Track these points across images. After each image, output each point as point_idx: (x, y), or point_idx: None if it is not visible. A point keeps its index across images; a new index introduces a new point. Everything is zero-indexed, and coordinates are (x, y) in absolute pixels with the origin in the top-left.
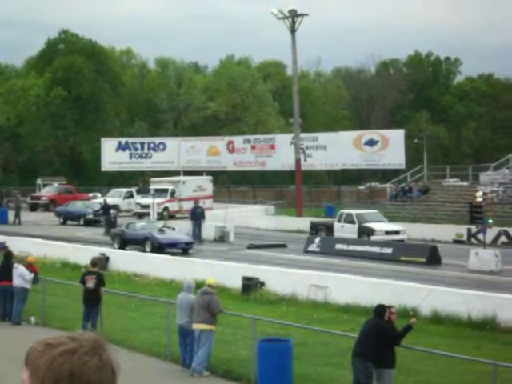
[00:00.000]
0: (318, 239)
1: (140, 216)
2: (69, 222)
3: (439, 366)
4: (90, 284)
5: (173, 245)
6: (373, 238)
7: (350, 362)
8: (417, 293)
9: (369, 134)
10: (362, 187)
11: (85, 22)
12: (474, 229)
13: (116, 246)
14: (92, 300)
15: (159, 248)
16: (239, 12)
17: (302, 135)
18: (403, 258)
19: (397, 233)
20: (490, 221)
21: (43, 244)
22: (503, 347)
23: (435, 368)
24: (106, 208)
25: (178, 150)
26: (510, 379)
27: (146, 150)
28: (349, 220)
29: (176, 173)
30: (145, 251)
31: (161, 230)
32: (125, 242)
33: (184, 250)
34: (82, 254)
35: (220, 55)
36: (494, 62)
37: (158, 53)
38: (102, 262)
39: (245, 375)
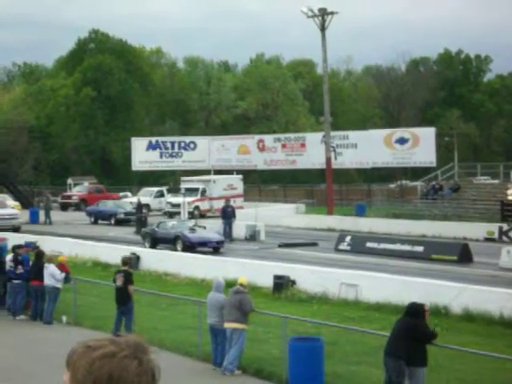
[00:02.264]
0: (348, 237)
1: (171, 215)
2: (99, 222)
3: (471, 365)
4: (119, 282)
5: (204, 244)
6: None
7: (382, 360)
8: (448, 291)
9: (399, 132)
10: (392, 185)
11: (114, 21)
12: (505, 227)
13: (147, 245)
14: (121, 298)
15: (190, 247)
16: (266, 10)
17: (333, 133)
18: (434, 256)
19: None
20: None
21: (74, 243)
22: None
23: (467, 366)
24: (139, 207)
25: (208, 149)
26: None
27: (176, 149)
28: None
29: (206, 172)
30: (176, 250)
31: (192, 229)
32: (156, 241)
33: (215, 248)
34: (113, 254)
35: (249, 54)
36: None
37: (187, 52)
38: (132, 261)
39: (276, 374)
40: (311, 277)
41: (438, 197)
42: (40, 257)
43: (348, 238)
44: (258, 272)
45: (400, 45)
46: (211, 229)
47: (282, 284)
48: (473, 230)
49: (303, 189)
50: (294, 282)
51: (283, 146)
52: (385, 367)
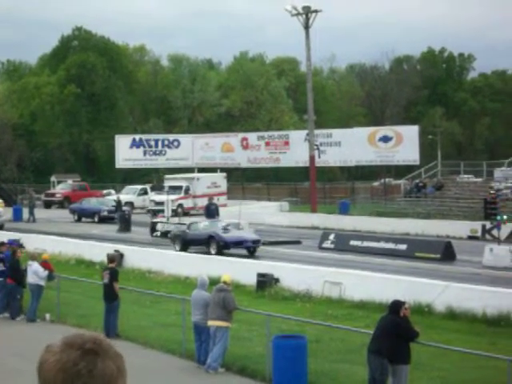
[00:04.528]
0: (332, 235)
1: (154, 213)
2: (83, 219)
3: (454, 363)
4: (105, 280)
5: (239, 243)
6: None
7: (366, 358)
8: (431, 289)
9: (383, 131)
10: (376, 183)
11: (97, 19)
12: (488, 225)
13: (177, 248)
14: (108, 296)
15: (224, 247)
16: (250, 8)
17: (316, 132)
18: (417, 254)
19: None
20: (505, 217)
21: (58, 241)
22: None
23: (450, 364)
24: (119, 205)
25: (192, 147)
26: None
27: (160, 147)
28: None
29: (190, 170)
30: (209, 252)
31: (225, 229)
32: (187, 244)
33: (251, 249)
34: (97, 251)
35: (233, 52)
36: (508, 59)
37: (170, 50)
38: (116, 258)
39: (260, 372)
40: (295, 275)
41: (421, 195)
42: (14, 255)
43: (332, 236)
44: (241, 270)
45: (383, 43)
46: (246, 228)
47: (265, 282)
48: (456, 228)
49: (287, 187)
50: (277, 280)
51: (267, 143)
52: (368, 365)
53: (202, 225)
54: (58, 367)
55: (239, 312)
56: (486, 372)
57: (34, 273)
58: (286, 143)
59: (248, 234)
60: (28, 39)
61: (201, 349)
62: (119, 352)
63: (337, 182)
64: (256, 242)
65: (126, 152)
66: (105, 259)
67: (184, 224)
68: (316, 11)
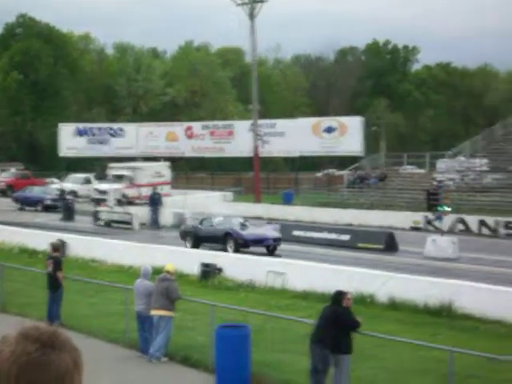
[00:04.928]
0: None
1: (98, 202)
2: (27, 208)
3: (396, 353)
4: (49, 269)
5: (260, 241)
6: None
7: (308, 348)
8: (374, 279)
9: (327, 121)
10: (319, 174)
11: (42, 6)
12: (430, 216)
13: (188, 245)
14: (52, 285)
15: (243, 245)
16: None
17: (261, 122)
18: (360, 245)
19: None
20: (447, 208)
21: (1, 230)
22: (459, 334)
23: (392, 354)
24: (62, 193)
25: (136, 136)
26: (467, 365)
27: (104, 136)
28: None
29: (134, 159)
30: (226, 250)
31: (243, 225)
32: (199, 240)
33: (271, 247)
34: (40, 240)
35: (178, 41)
36: (452, 51)
37: (115, 38)
38: (60, 247)
39: (203, 361)
40: (238, 265)
41: (364, 186)
42: None
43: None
44: (185, 259)
45: (329, 34)
46: (265, 224)
47: (209, 272)
48: (399, 219)
49: (231, 177)
50: (220, 270)
51: (211, 133)
52: (310, 355)
53: (217, 220)
54: (12, 359)
55: (183, 301)
56: (428, 362)
57: None
58: (231, 133)
59: (268, 231)
60: None
61: (144, 338)
62: (76, 346)
63: (281, 172)
64: (277, 240)
65: (70, 140)
66: (48, 248)
67: (129, 214)
68: (261, 1)
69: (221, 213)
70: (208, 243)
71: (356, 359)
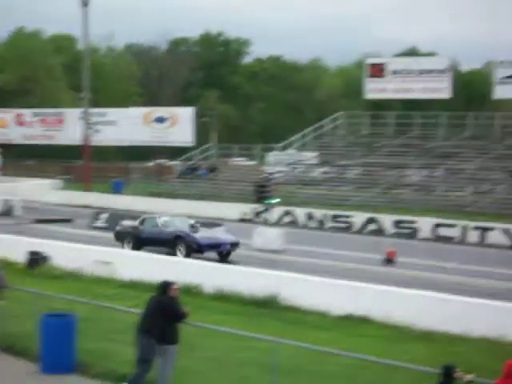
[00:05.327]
0: (105, 215)
1: None
2: None
3: (225, 343)
4: None
5: (215, 246)
6: None
7: (135, 338)
8: (201, 270)
9: (158, 111)
10: (150, 164)
11: None
12: (259, 208)
13: (126, 247)
14: None
15: (197, 250)
16: None
17: (92, 110)
18: None
19: None
20: (275, 200)
21: None
22: (284, 325)
23: (221, 345)
24: None
25: None
26: (290, 356)
27: None
28: None
29: None
30: (174, 254)
31: (193, 227)
32: (141, 243)
33: (224, 252)
34: None
35: (8, 27)
36: (283, 45)
37: None
38: None
39: (29, 350)
40: (65, 253)
41: (194, 176)
42: None
43: (104, 216)
44: (11, 247)
45: (162, 24)
46: (215, 226)
47: (36, 260)
48: (228, 211)
49: (61, 165)
50: (47, 258)
51: (42, 120)
52: (137, 345)
53: (162, 220)
54: None
55: (9, 290)
56: (252, 352)
57: None
58: (61, 121)
59: (223, 235)
60: None
61: None
62: None
63: (112, 161)
64: (234, 245)
65: None
66: None
67: None
68: None
69: (50, 201)
70: (153, 246)
71: (183, 349)
